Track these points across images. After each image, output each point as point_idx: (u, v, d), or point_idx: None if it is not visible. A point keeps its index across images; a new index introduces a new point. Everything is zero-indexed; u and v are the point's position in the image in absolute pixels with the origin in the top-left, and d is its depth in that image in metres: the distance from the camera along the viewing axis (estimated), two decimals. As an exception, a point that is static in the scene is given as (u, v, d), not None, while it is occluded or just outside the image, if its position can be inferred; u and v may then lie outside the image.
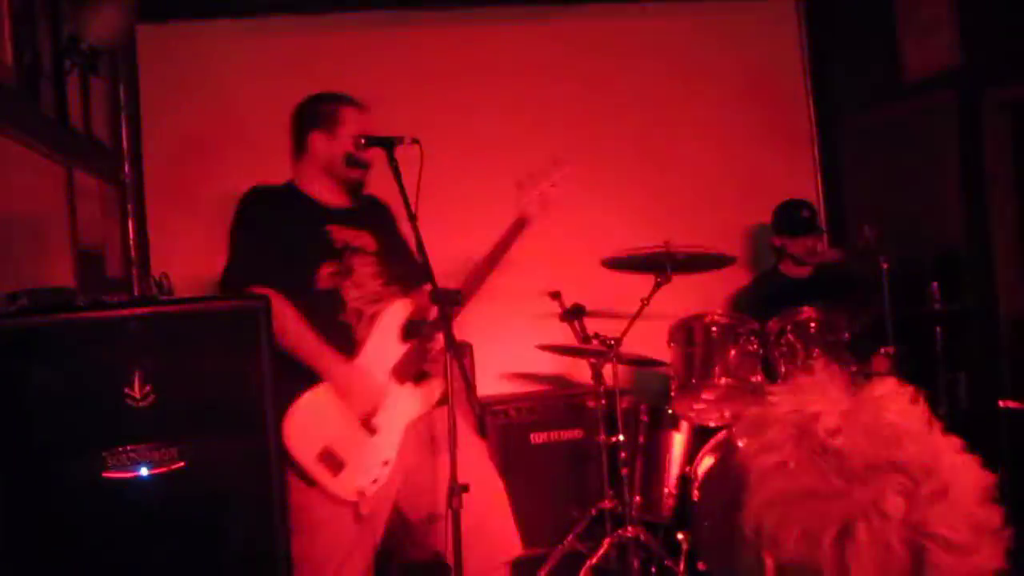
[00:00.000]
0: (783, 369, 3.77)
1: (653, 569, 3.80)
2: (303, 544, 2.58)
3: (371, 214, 3.15)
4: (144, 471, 2.26)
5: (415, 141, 2.81)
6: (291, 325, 2.77)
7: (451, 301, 2.79)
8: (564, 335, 4.21)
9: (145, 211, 4.48)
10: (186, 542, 2.30)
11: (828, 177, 5.15)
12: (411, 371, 2.98)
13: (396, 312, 3.00)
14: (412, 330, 3.01)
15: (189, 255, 3.80)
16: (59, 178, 3.52)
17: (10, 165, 3.08)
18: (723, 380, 3.78)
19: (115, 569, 2.24)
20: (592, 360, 3.91)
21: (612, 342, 3.75)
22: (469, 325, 3.89)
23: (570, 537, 3.88)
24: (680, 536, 3.79)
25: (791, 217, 4.41)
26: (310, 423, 2.77)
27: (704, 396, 3.88)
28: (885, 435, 0.95)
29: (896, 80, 4.65)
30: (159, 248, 4.46)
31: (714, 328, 3.83)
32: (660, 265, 3.67)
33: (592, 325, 4.12)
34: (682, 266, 3.72)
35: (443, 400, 3.02)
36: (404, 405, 2.96)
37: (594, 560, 3.68)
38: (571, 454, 4.31)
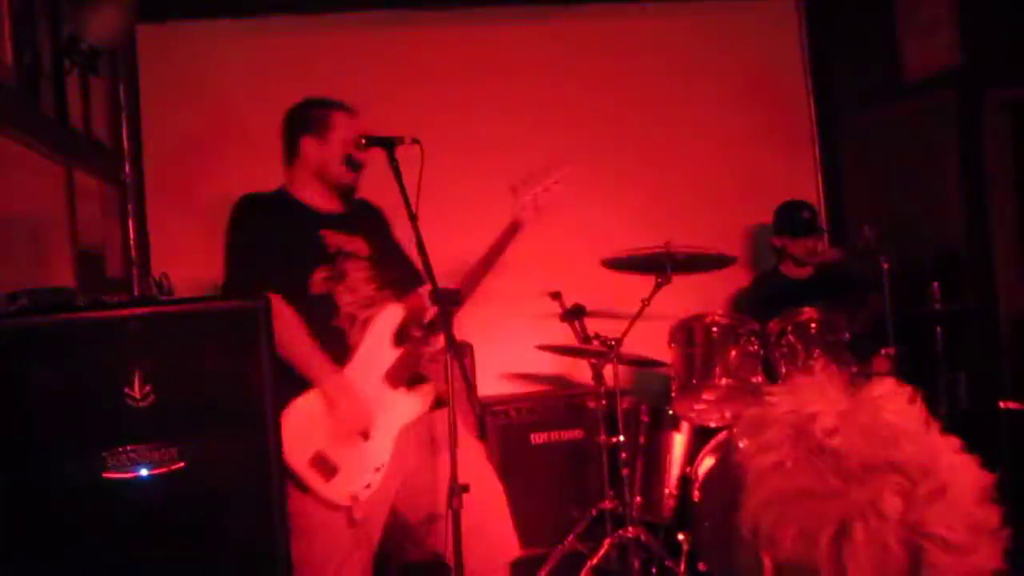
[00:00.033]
0: (784, 370, 3.77)
1: (654, 569, 3.80)
2: (299, 549, 2.58)
3: (364, 219, 3.15)
4: (144, 471, 2.26)
5: (415, 141, 2.81)
6: (284, 331, 2.76)
7: (451, 301, 2.79)
8: (564, 335, 4.20)
9: (145, 211, 4.48)
10: (186, 542, 2.30)
11: (828, 177, 5.14)
12: (404, 376, 2.98)
13: (389, 317, 3.00)
14: (405, 335, 3.01)
15: (189, 255, 3.80)
16: (59, 178, 3.52)
17: (10, 165, 3.08)
18: (723, 381, 3.78)
19: (115, 569, 2.24)
20: (592, 360, 3.91)
21: (612, 342, 3.75)
22: (470, 325, 3.90)
23: (570, 537, 3.88)
24: (681, 537, 3.79)
25: (792, 218, 4.40)
26: (302, 428, 2.77)
27: (704, 397, 3.88)
28: (882, 435, 0.95)
29: (896, 80, 4.65)
30: (159, 248, 4.46)
31: (714, 329, 3.83)
32: (660, 265, 3.67)
33: (592, 325, 4.12)
34: (682, 266, 3.72)
35: (437, 404, 3.03)
36: (398, 410, 2.96)
37: (595, 560, 3.67)
38: (572, 454, 4.31)
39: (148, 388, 2.28)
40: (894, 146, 4.74)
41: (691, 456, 3.96)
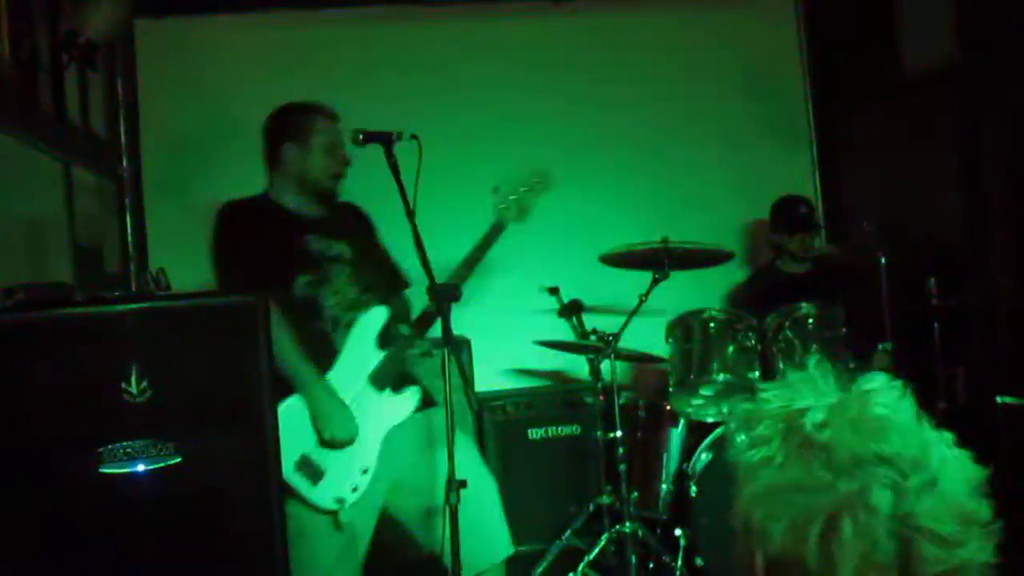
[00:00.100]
0: (781, 365, 3.78)
1: (651, 565, 3.80)
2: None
3: (347, 222, 3.15)
4: (141, 467, 2.25)
5: (414, 136, 2.80)
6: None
7: (450, 296, 2.79)
8: (562, 331, 4.21)
9: (143, 207, 4.48)
10: (182, 538, 2.30)
11: (826, 173, 5.14)
12: (389, 378, 2.98)
13: (373, 319, 3.00)
14: (389, 336, 3.01)
15: (187, 251, 3.79)
16: (56, 173, 3.52)
17: (7, 160, 3.08)
18: (721, 376, 3.79)
19: (111, 565, 2.24)
20: (590, 356, 3.92)
21: (610, 338, 3.75)
22: (467, 321, 3.90)
23: (568, 533, 3.88)
24: (678, 532, 3.79)
25: (789, 213, 4.41)
26: (287, 431, 2.76)
27: (702, 392, 3.89)
28: (871, 428, 0.95)
29: (895, 76, 4.65)
30: (157, 244, 4.46)
31: (712, 324, 3.84)
32: (658, 261, 3.67)
33: (590, 321, 4.13)
34: (680, 262, 3.72)
35: (423, 405, 3.03)
36: (383, 412, 2.96)
37: (592, 556, 3.68)
38: (569, 450, 4.31)
39: (145, 384, 2.27)
40: (892, 142, 4.74)
41: (688, 452, 3.96)
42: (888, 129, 4.76)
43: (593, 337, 3.91)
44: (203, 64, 4.57)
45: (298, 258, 2.98)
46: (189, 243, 3.73)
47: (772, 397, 1.02)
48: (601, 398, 3.84)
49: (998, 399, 3.63)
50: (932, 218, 4.49)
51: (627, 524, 3.64)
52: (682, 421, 4.04)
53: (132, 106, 4.45)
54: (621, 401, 3.84)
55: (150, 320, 2.36)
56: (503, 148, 4.44)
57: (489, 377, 4.58)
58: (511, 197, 3.07)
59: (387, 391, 2.98)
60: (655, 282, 3.67)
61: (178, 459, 2.29)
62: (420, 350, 3.04)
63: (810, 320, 3.79)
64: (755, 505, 0.97)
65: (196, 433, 2.32)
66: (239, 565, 2.37)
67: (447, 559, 2.70)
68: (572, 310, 4.19)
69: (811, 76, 5.16)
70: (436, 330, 2.82)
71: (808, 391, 1.01)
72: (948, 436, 1.00)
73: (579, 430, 4.32)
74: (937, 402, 3.97)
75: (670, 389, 3.91)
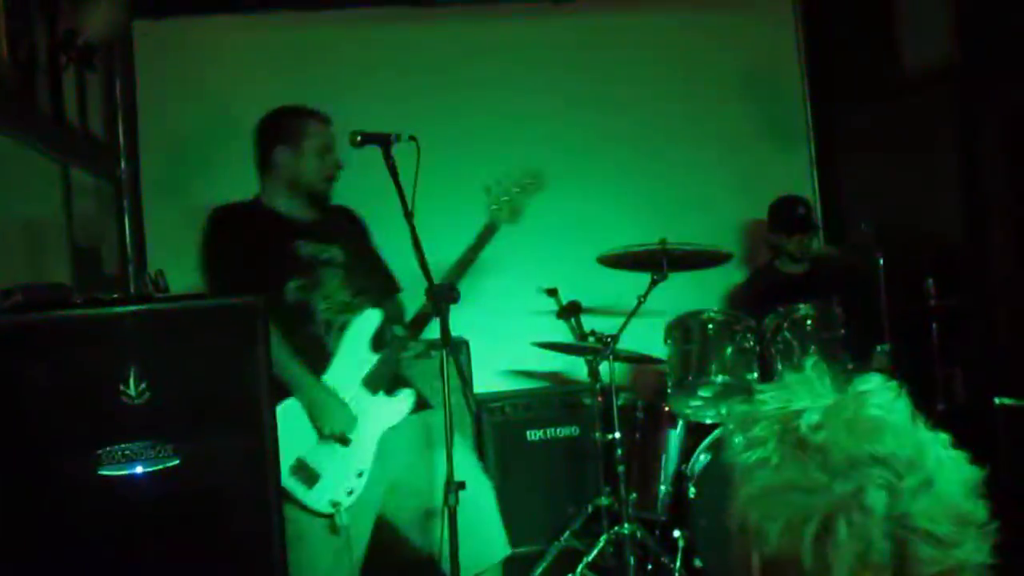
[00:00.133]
0: (779, 366, 3.78)
1: (649, 566, 3.80)
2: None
3: (339, 225, 3.15)
4: (139, 469, 2.26)
5: (412, 138, 2.80)
6: None
7: (448, 297, 2.79)
8: (560, 332, 4.21)
9: (141, 208, 4.48)
10: (181, 540, 2.30)
11: (825, 174, 5.15)
12: (383, 380, 2.98)
13: (366, 322, 3.00)
14: (383, 339, 3.00)
15: (185, 252, 3.79)
16: (55, 175, 3.52)
17: (5, 162, 3.08)
18: (719, 377, 3.79)
19: (110, 567, 2.24)
20: (589, 357, 3.91)
21: (609, 339, 3.75)
22: (466, 322, 3.91)
23: (566, 534, 3.88)
24: (677, 533, 3.79)
25: (786, 214, 4.41)
26: (282, 435, 2.76)
27: (700, 393, 3.89)
28: (866, 429, 0.95)
29: (893, 77, 4.65)
30: (155, 245, 4.46)
31: (710, 325, 3.84)
32: (656, 262, 3.67)
33: (588, 322, 4.13)
34: (678, 263, 3.72)
35: (416, 408, 3.02)
36: (378, 415, 2.96)
37: (591, 557, 3.68)
38: (567, 451, 4.31)
39: (144, 386, 2.27)
40: (891, 142, 4.74)
41: (687, 453, 3.96)
42: (886, 129, 4.76)
43: (592, 338, 3.91)
44: (202, 65, 4.57)
45: (289, 262, 2.98)
46: (188, 244, 3.72)
47: (768, 399, 1.02)
48: (600, 399, 3.84)
49: (996, 400, 3.63)
50: (930, 218, 4.49)
51: (626, 525, 3.63)
52: (681, 422, 4.04)
53: (131, 107, 4.45)
54: (620, 402, 3.84)
55: (149, 322, 2.36)
56: (502, 148, 4.44)
57: (487, 378, 4.58)
58: (503, 198, 3.06)
59: (381, 394, 2.97)
60: (653, 283, 3.67)
61: (177, 461, 2.29)
62: (414, 352, 3.04)
63: (808, 321, 3.79)
64: (751, 506, 0.97)
65: (195, 435, 2.32)
66: (238, 566, 2.37)
67: (444, 561, 2.71)
68: (570, 311, 4.19)
69: (809, 76, 5.16)
70: (434, 331, 2.82)
71: (804, 392, 1.01)
72: (944, 437, 1.00)
73: (578, 431, 4.32)
74: (935, 403, 3.98)
75: (668, 390, 3.91)
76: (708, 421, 3.92)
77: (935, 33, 4.38)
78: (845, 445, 0.95)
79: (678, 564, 3.69)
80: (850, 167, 5.06)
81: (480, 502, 2.94)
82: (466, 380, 3.80)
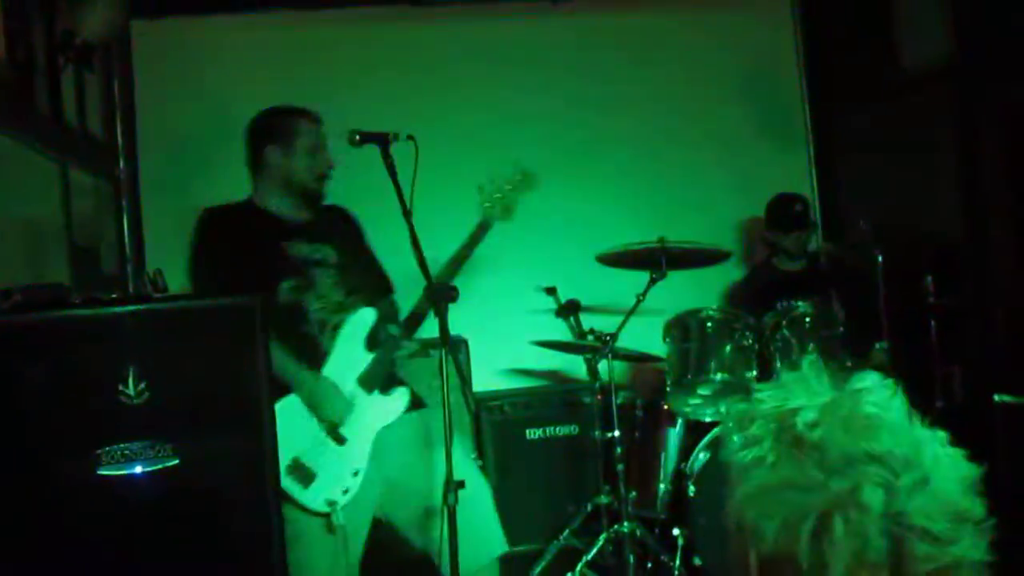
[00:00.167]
0: (778, 364, 3.78)
1: (649, 564, 3.81)
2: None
3: (332, 225, 3.14)
4: (139, 469, 2.25)
5: (410, 137, 2.79)
6: None
7: (447, 296, 2.79)
8: (559, 331, 4.21)
9: (140, 208, 4.48)
10: (181, 540, 2.30)
11: (823, 173, 5.15)
12: (378, 379, 2.97)
13: (360, 321, 2.99)
14: (377, 338, 3.00)
15: (184, 252, 3.80)
16: (53, 174, 3.52)
17: (4, 162, 3.08)
18: (718, 376, 3.79)
19: (109, 567, 2.24)
20: (588, 356, 3.92)
21: (607, 338, 3.75)
22: (465, 321, 3.90)
23: (566, 532, 3.88)
24: (676, 531, 3.80)
25: (783, 211, 4.41)
26: (278, 435, 2.77)
27: (700, 392, 3.89)
28: (862, 427, 0.96)
29: (892, 76, 4.65)
30: (154, 245, 4.46)
31: (709, 324, 3.84)
32: (655, 260, 3.67)
33: (587, 321, 4.13)
34: (677, 261, 3.72)
35: (411, 407, 3.02)
36: (372, 414, 2.96)
37: (590, 555, 3.68)
38: (567, 450, 4.31)
39: (143, 386, 2.27)
40: (889, 141, 4.74)
41: (686, 451, 3.96)
42: (885, 129, 4.77)
43: (591, 337, 3.91)
44: (200, 65, 4.57)
45: (282, 263, 2.97)
46: (186, 244, 3.72)
47: (765, 397, 1.03)
48: (599, 398, 3.84)
49: (995, 397, 3.63)
50: (929, 217, 4.49)
51: (625, 524, 3.64)
52: (680, 421, 4.04)
53: (129, 107, 4.46)
54: (619, 401, 3.84)
55: (147, 322, 2.35)
56: (500, 147, 4.43)
57: (487, 377, 4.58)
58: (496, 195, 3.06)
59: (376, 393, 2.97)
60: (652, 282, 3.67)
61: (176, 461, 2.29)
62: (409, 351, 3.03)
63: (807, 319, 3.80)
64: (748, 504, 0.98)
65: (194, 435, 2.32)
66: (237, 566, 2.37)
67: (441, 559, 2.71)
68: (569, 310, 4.19)
69: (808, 76, 5.16)
70: (431, 330, 2.81)
71: (801, 391, 1.01)
72: (941, 435, 1.00)
73: (577, 430, 4.32)
74: (934, 400, 3.98)
75: (668, 389, 3.91)
76: (707, 419, 3.92)
77: (934, 33, 4.38)
78: (841, 443, 0.95)
79: (678, 562, 3.69)
80: (849, 166, 5.06)
81: (476, 499, 2.94)
82: (465, 379, 3.80)
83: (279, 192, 3.09)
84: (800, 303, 3.83)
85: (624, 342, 3.77)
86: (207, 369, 2.39)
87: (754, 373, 3.80)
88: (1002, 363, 4.15)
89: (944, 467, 0.96)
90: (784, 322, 3.80)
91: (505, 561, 3.07)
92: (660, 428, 4.06)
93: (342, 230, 3.18)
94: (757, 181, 4.80)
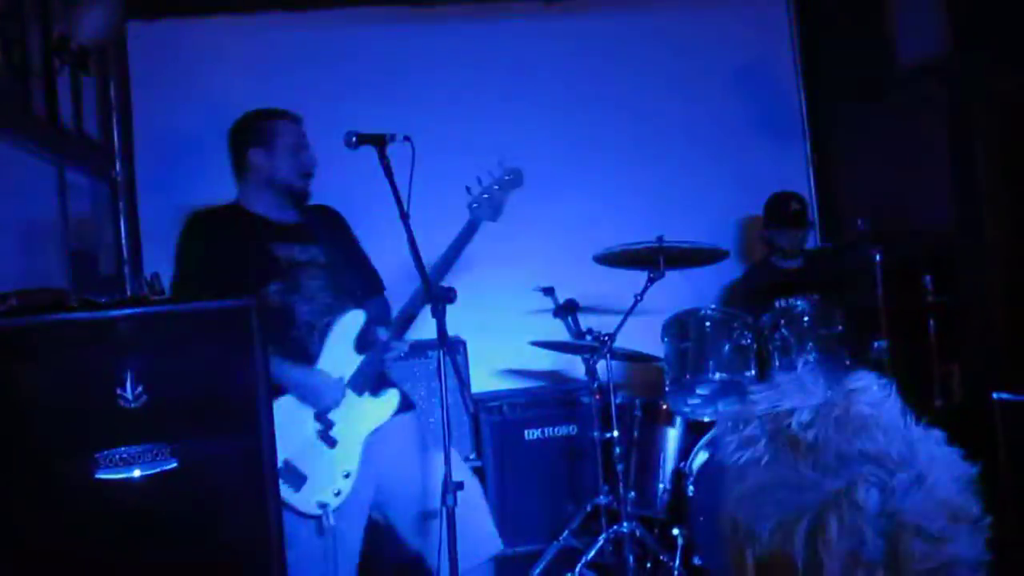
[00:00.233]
0: (777, 363, 3.78)
1: (649, 564, 3.81)
2: None
3: (320, 225, 3.14)
4: (137, 472, 2.25)
5: (407, 138, 2.78)
6: None
7: (445, 298, 2.78)
8: (558, 331, 4.21)
9: (136, 210, 4.47)
10: (179, 543, 2.30)
11: (820, 169, 5.15)
12: (368, 381, 2.97)
13: (349, 323, 2.99)
14: (367, 340, 3.00)
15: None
16: (50, 177, 3.51)
17: (1, 165, 3.07)
18: (717, 375, 3.79)
19: (108, 571, 2.23)
20: (586, 356, 3.91)
21: (606, 338, 3.75)
22: (463, 322, 3.90)
23: (565, 533, 3.88)
24: (676, 531, 3.79)
25: (780, 209, 4.42)
26: None
27: (698, 391, 3.89)
28: (856, 427, 0.96)
29: (887, 71, 4.65)
30: (151, 247, 4.45)
31: (708, 323, 3.84)
32: (653, 260, 3.67)
33: (585, 321, 4.13)
34: (675, 261, 3.72)
35: (402, 408, 3.02)
36: (363, 416, 2.95)
37: (590, 556, 3.68)
38: (566, 450, 4.31)
39: (140, 389, 2.27)
40: (886, 138, 4.74)
41: (685, 451, 3.96)
42: (882, 125, 4.76)
43: (589, 337, 3.91)
44: (196, 66, 4.56)
45: (269, 265, 2.97)
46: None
47: (760, 399, 1.03)
48: (597, 398, 3.83)
49: (994, 395, 3.63)
50: (928, 215, 4.49)
51: (625, 524, 3.63)
52: (679, 420, 4.04)
53: (125, 109, 4.45)
54: (618, 401, 3.84)
55: (145, 325, 2.35)
56: (493, 148, 4.39)
57: (485, 378, 4.59)
58: (484, 196, 3.06)
59: (367, 395, 2.97)
60: (650, 281, 3.67)
61: (174, 464, 2.29)
62: (398, 353, 3.02)
63: (806, 318, 3.79)
64: (742, 506, 0.98)
65: (192, 437, 2.32)
66: (237, 569, 2.37)
67: (434, 560, 2.71)
68: (567, 310, 4.19)
69: (804, 73, 5.16)
70: (429, 331, 2.80)
71: (796, 392, 1.01)
72: (937, 434, 1.00)
73: (576, 430, 4.32)
74: (933, 399, 3.98)
75: (666, 388, 3.91)
76: (706, 419, 3.92)
77: (930, 29, 4.38)
78: (835, 443, 0.95)
79: (677, 562, 3.69)
80: (846, 164, 5.06)
81: (468, 500, 2.94)
82: (463, 380, 3.79)
83: (264, 193, 3.09)
84: (799, 301, 3.83)
85: (622, 342, 3.77)
86: (205, 372, 2.39)
87: (753, 372, 3.80)
88: (1000, 361, 4.15)
89: (939, 466, 0.96)
90: (783, 321, 3.80)
91: (505, 562, 3.07)
92: (659, 428, 4.06)
93: (330, 229, 3.18)
94: (754, 179, 4.80)
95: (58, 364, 2.25)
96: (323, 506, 2.82)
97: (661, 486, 3.98)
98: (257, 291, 2.89)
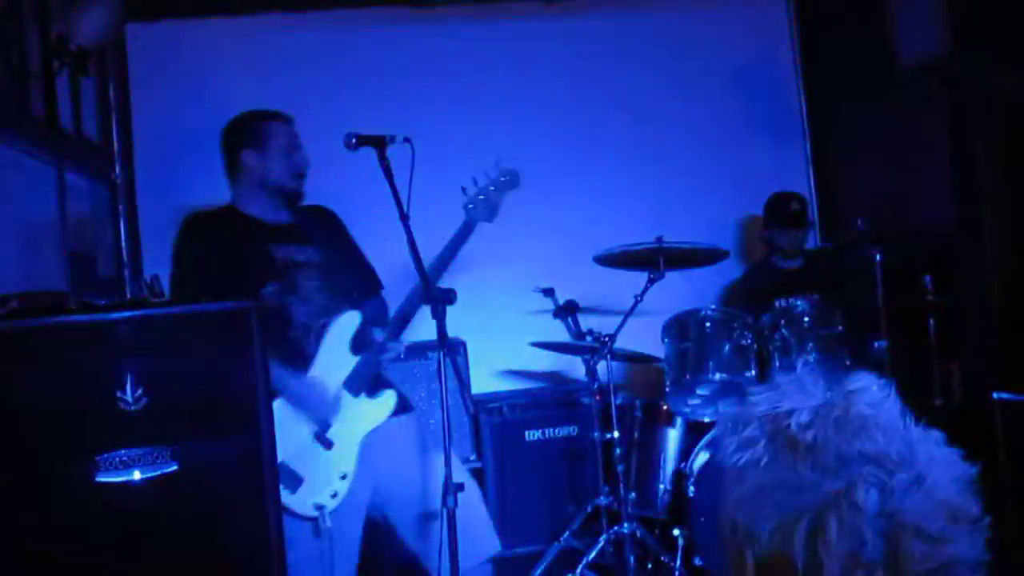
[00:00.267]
0: (778, 363, 3.78)
1: (650, 565, 3.81)
2: None
3: (315, 226, 3.13)
4: (137, 475, 2.25)
5: (407, 140, 2.78)
6: None
7: (445, 299, 2.78)
8: (558, 332, 4.20)
9: (136, 211, 4.47)
10: (180, 546, 2.29)
11: (820, 169, 5.15)
12: (364, 382, 2.96)
13: (345, 324, 2.98)
14: (363, 341, 2.99)
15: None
16: (49, 179, 3.51)
17: (0, 167, 3.07)
18: (717, 375, 3.79)
19: (109, 574, 2.23)
20: (586, 357, 3.91)
21: (606, 338, 3.75)
22: (463, 323, 3.90)
23: (566, 534, 3.88)
24: (677, 532, 3.79)
25: (780, 209, 4.42)
26: None
27: (698, 392, 3.89)
28: (856, 427, 0.96)
29: (888, 71, 4.65)
30: (150, 249, 4.44)
31: (708, 324, 3.84)
32: (653, 260, 3.67)
33: (585, 321, 4.13)
34: (675, 261, 3.72)
35: (398, 410, 3.02)
36: (359, 417, 2.95)
37: (591, 557, 3.68)
38: (566, 451, 4.31)
39: (140, 391, 2.27)
40: (886, 138, 4.74)
41: (686, 451, 3.96)
42: (882, 125, 4.76)
43: (589, 338, 3.91)
44: (195, 68, 4.56)
45: (264, 267, 2.97)
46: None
47: (759, 400, 1.03)
48: (598, 398, 3.84)
49: (994, 395, 3.63)
50: (927, 214, 4.49)
51: (625, 524, 3.63)
52: (679, 421, 4.04)
53: (125, 111, 4.45)
54: (618, 401, 3.84)
55: (145, 327, 2.35)
56: (492, 149, 4.41)
57: (485, 379, 4.58)
58: (480, 197, 3.05)
59: (363, 396, 2.97)
60: (650, 282, 3.67)
61: (175, 466, 2.29)
62: (394, 354, 3.02)
63: (806, 318, 3.80)
64: (742, 507, 0.98)
65: (192, 439, 2.32)
66: (237, 571, 2.37)
67: (433, 561, 2.70)
68: (567, 311, 4.19)
69: (804, 73, 5.16)
70: (429, 332, 2.80)
71: (795, 393, 1.01)
72: (937, 434, 1.00)
73: (576, 431, 4.32)
74: (933, 399, 3.98)
75: (666, 389, 3.91)
76: (706, 419, 3.92)
77: (930, 29, 4.38)
78: (835, 443, 0.95)
79: (678, 563, 3.69)
80: (846, 164, 5.06)
81: (467, 501, 2.94)
82: (464, 381, 3.79)
83: (258, 195, 3.09)
84: (799, 302, 3.83)
85: (622, 342, 3.77)
86: (205, 374, 2.39)
87: (753, 373, 3.80)
88: (1000, 361, 4.14)
89: (939, 466, 0.96)
90: (783, 321, 3.80)
91: (505, 563, 3.07)
92: (659, 428, 4.06)
93: (326, 230, 3.17)
94: (754, 179, 4.80)
95: (58, 367, 2.25)
96: (320, 508, 2.81)
97: (662, 487, 3.98)
98: (253, 292, 2.89)
